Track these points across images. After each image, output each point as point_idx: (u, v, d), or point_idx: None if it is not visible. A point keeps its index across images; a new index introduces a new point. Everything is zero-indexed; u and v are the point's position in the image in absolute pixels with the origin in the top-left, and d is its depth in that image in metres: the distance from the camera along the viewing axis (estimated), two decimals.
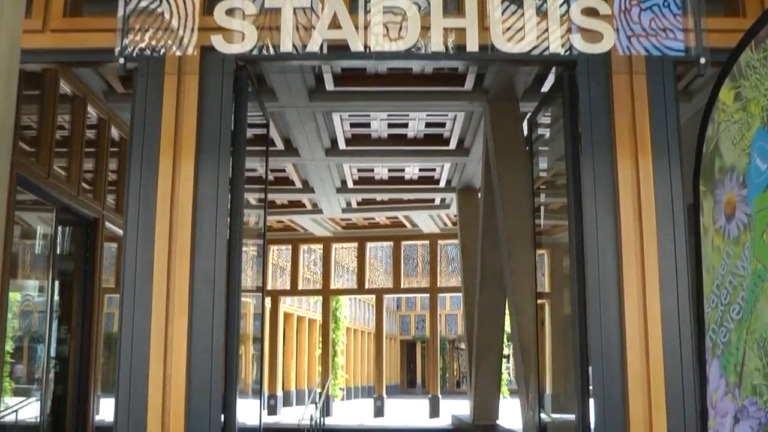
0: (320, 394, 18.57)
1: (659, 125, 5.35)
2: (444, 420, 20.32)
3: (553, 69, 6.71)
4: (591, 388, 5.22)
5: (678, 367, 5.04)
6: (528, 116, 7.52)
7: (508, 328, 15.65)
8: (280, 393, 23.35)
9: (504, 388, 22.31)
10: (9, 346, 9.85)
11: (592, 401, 5.19)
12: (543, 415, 6.02)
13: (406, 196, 18.79)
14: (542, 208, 7.05)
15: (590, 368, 5.21)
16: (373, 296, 23.43)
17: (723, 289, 4.47)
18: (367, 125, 13.73)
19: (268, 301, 24.00)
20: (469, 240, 16.09)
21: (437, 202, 19.18)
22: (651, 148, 5.32)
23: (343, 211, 19.74)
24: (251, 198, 7.89)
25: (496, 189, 10.95)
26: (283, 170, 16.45)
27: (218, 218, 5.43)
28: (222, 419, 5.26)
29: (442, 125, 13.64)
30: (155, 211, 5.36)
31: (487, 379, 13.93)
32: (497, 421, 14.35)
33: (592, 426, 5.18)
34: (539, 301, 7.38)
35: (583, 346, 5.26)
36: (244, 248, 5.91)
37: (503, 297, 13.35)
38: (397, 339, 49.81)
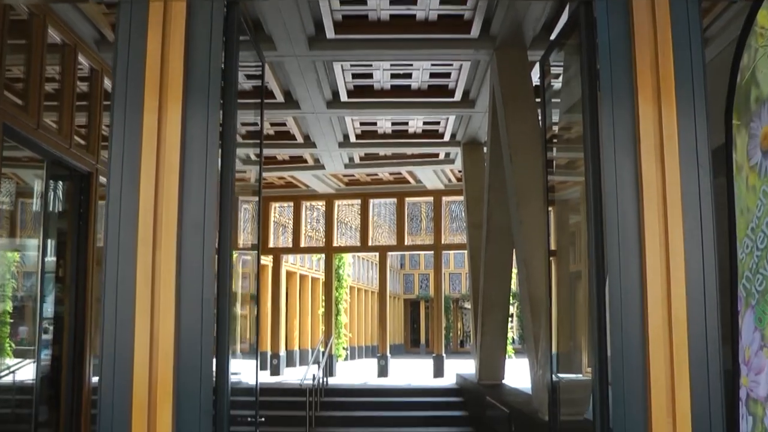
0: (323, 353, 18.30)
1: (683, 60, 4.92)
2: (448, 379, 20.10)
3: (568, 4, 6.27)
4: (608, 344, 4.86)
5: (702, 320, 4.66)
6: (540, 58, 7.09)
7: (513, 286, 15.36)
8: (283, 353, 23.11)
9: (509, 348, 22.04)
10: (8, 306, 9.56)
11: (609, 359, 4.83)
12: (554, 375, 5.65)
13: (409, 151, 18.39)
14: (555, 156, 6.62)
15: (608, 324, 4.84)
16: (377, 254, 23.09)
17: (759, 232, 4.09)
18: (370, 76, 13.29)
19: (270, 259, 23.71)
20: (475, 195, 15.73)
21: (441, 156, 18.76)
22: (674, 85, 4.89)
23: (346, 166, 19.36)
24: (246, 152, 7.49)
25: (503, 140, 10.55)
26: (284, 124, 16.05)
27: (208, 166, 5.02)
28: (214, 378, 4.90)
29: (447, 75, 13.19)
30: (140, 156, 4.96)
31: (492, 337, 13.62)
32: (503, 381, 14.06)
33: (609, 384, 4.82)
34: (551, 258, 7.01)
35: (600, 300, 4.88)
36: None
37: (510, 252, 13.01)
38: (401, 298, 49.64)
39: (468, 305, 51.75)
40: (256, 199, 7.71)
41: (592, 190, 5.03)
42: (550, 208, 6.46)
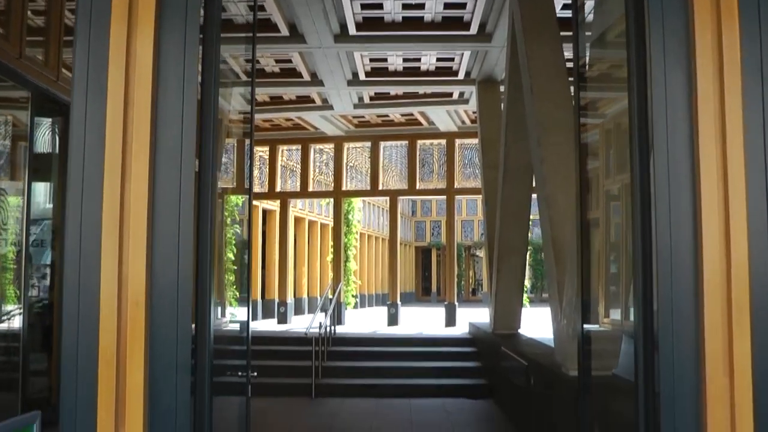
0: (330, 301, 17.67)
1: None
2: (461, 328, 19.51)
3: None
4: (654, 291, 4.10)
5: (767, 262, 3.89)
6: None
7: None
8: (290, 300, 22.53)
9: (524, 296, 21.40)
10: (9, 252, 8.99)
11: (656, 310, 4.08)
12: (586, 324, 4.91)
13: (421, 90, 17.56)
14: (588, 80, 5.81)
15: (654, 267, 4.07)
16: (387, 199, 22.36)
17: None
18: (380, 6, 12.47)
19: (277, 204, 23.03)
20: (490, 136, 14.95)
21: (455, 96, 17.92)
22: None
23: (355, 106, 18.58)
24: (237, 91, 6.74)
25: (524, 72, 9.73)
26: (290, 60, 15.24)
27: (186, 90, 4.25)
28: (193, 324, 4.18)
29: (463, 6, 12.37)
30: (107, 74, 4.20)
31: (508, 284, 12.92)
32: (518, 330, 13.39)
33: (656, 335, 4.06)
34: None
35: (646, 240, 4.10)
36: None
37: (528, 194, 12.28)
38: (412, 246, 49.07)
39: (480, 253, 51.23)
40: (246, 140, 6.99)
41: (636, 111, 4.24)
42: (588, 132, 5.65)
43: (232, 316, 7.84)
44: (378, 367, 14.58)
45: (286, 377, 14.08)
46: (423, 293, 50.57)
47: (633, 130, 4.25)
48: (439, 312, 31.05)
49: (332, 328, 16.46)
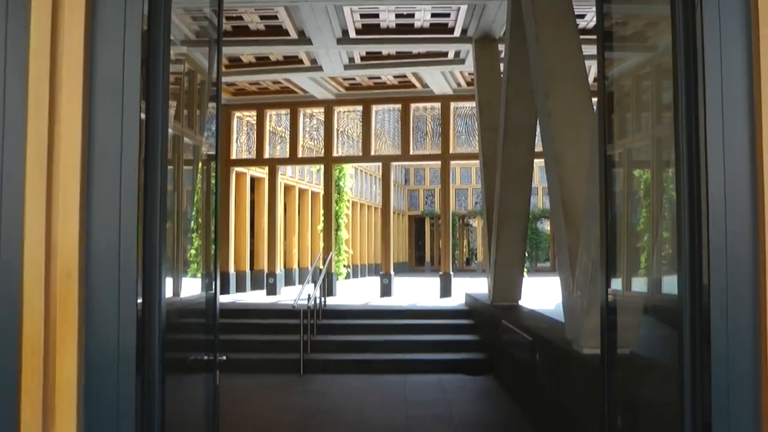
0: (321, 271, 16.88)
1: None
2: (456, 299, 18.81)
3: None
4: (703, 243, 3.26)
5: None
6: None
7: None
8: (279, 271, 21.76)
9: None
10: None
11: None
12: (609, 293, 4.10)
13: (415, 49, 16.67)
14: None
15: (703, 216, 3.23)
16: (379, 168, 21.54)
17: None
18: None
19: (265, 171, 22.23)
20: (488, 96, 14.13)
21: (451, 56, 17.04)
22: None
23: (345, 68, 17.71)
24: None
25: (527, 21, 8.89)
26: (275, 17, 14.34)
27: (128, 8, 3.40)
28: (140, 300, 3.35)
29: None
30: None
31: (509, 253, 12.14)
32: (519, 302, 12.64)
33: (707, 313, 3.23)
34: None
35: (692, 190, 3.26)
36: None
37: (529, 156, 11.51)
38: (405, 215, 48.37)
39: (474, 223, 50.57)
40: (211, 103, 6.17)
41: (682, 40, 3.40)
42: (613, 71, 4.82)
43: (206, 289, 7.06)
44: (370, 342, 13.85)
45: (273, 353, 13.38)
46: (416, 263, 49.89)
47: (678, 65, 3.41)
48: (433, 282, 30.36)
49: (322, 299, 15.72)
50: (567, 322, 7.40)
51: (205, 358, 4.57)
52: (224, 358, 4.50)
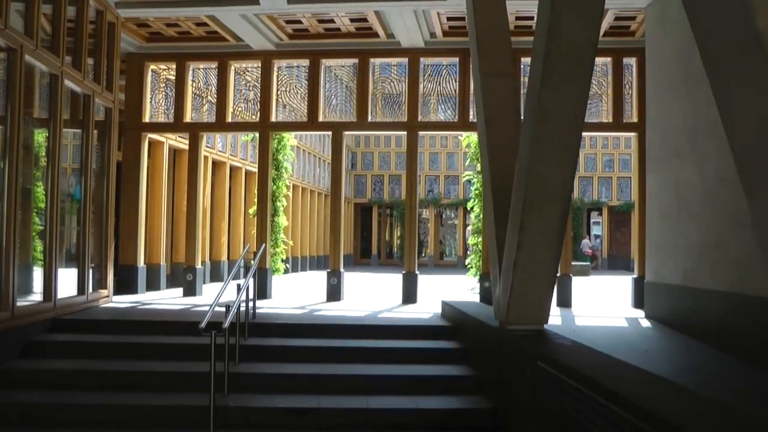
0: (247, 269, 12.44)
1: None
2: (424, 306, 14.68)
3: None
4: None
5: None
6: None
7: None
8: (201, 266, 17.30)
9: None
10: None
11: None
12: None
13: None
14: None
15: None
16: (323, 142, 17.03)
17: None
18: None
19: (185, 143, 17.77)
20: (493, 24, 9.76)
21: None
22: None
23: (289, 1, 13.38)
24: None
25: None
26: None
27: None
28: None
29: None
30: None
31: (537, 251, 7.83)
32: (545, 326, 8.40)
33: None
34: None
35: None
36: None
37: (583, 101, 7.22)
38: (351, 202, 44.04)
39: (426, 213, 46.36)
40: None
41: None
42: None
43: None
44: (317, 377, 9.54)
45: (166, 393, 9.03)
46: (362, 255, 45.50)
47: None
48: (385, 280, 26.24)
49: (251, 307, 11.37)
50: None
51: None
52: None
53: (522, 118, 7.88)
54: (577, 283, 16.32)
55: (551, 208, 7.63)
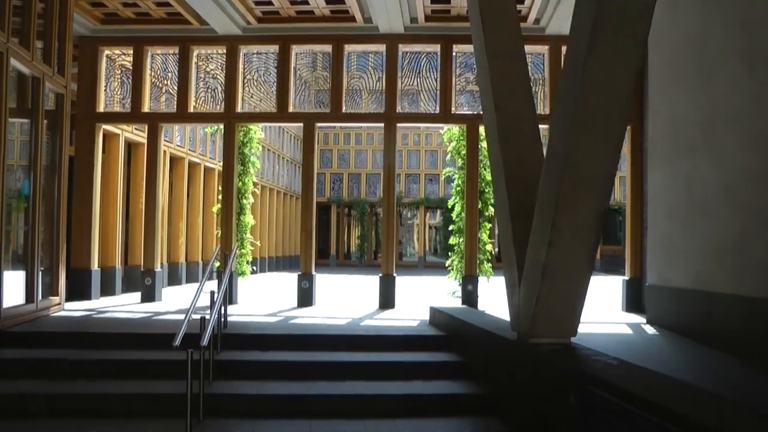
0: (221, 273, 11.14)
1: None
2: (404, 311, 13.61)
3: None
4: None
5: None
6: None
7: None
8: (160, 269, 15.92)
9: (486, 267, 15.43)
10: None
11: None
12: None
13: None
14: None
15: None
16: (286, 139, 15.77)
17: None
18: None
19: (142, 135, 16.45)
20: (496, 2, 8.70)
21: None
22: None
23: None
24: None
25: None
26: None
27: None
28: None
29: None
30: None
31: (571, 251, 6.74)
32: (573, 339, 7.29)
33: None
34: None
35: None
36: None
37: (631, 71, 6.12)
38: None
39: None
40: None
41: None
42: None
43: None
44: (303, 398, 8.31)
45: (130, 420, 7.76)
46: (319, 256, 44.15)
47: None
48: (347, 280, 25.14)
49: (222, 313, 10.11)
50: None
51: None
52: None
53: (557, 96, 6.72)
54: None
55: (589, 203, 6.52)
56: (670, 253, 12.40)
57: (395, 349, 10.12)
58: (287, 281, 22.40)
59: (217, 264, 14.37)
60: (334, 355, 9.68)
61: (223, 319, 10.14)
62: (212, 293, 9.12)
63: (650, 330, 12.20)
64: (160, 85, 16.24)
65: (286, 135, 37.34)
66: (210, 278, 10.31)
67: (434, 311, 11.63)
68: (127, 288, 17.19)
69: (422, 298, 17.32)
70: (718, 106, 10.54)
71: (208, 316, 8.08)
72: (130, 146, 18.18)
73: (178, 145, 21.20)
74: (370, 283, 24.54)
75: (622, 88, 6.09)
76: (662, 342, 11.21)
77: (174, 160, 21.11)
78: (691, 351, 10.44)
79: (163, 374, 8.56)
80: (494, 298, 15.55)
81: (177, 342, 7.09)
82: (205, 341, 7.35)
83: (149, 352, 9.39)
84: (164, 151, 18.77)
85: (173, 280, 20.70)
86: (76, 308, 13.29)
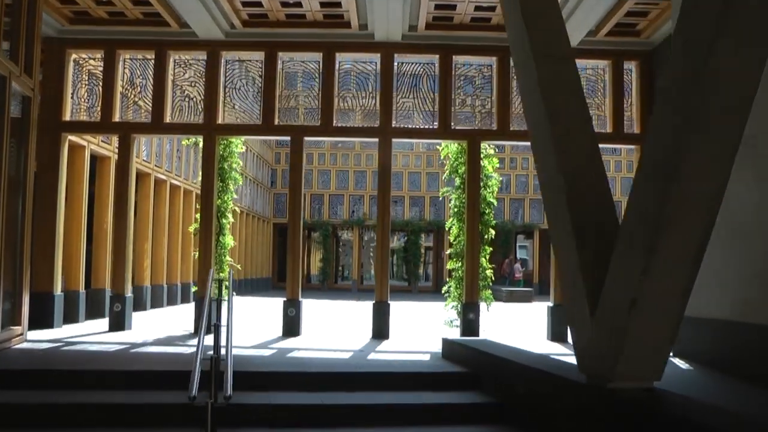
0: (216, 301, 9.80)
1: None
2: (400, 343, 12.48)
3: None
4: None
5: None
6: None
7: None
8: (131, 294, 14.49)
9: (487, 293, 14.30)
10: None
11: None
12: None
13: None
14: None
15: None
16: (250, 157, 14.52)
17: None
18: None
19: (112, 146, 15.11)
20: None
21: None
22: None
23: None
24: None
25: None
26: None
27: None
28: None
29: None
30: None
31: (671, 282, 5.57)
32: (656, 383, 6.15)
33: None
34: None
35: None
36: None
37: (759, 69, 5.07)
38: (269, 222, 41.63)
39: (348, 235, 44.00)
40: None
41: None
42: None
43: None
44: None
45: None
46: (279, 279, 42.72)
47: None
48: (318, 305, 23.96)
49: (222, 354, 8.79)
50: None
51: None
52: None
53: (663, 96, 5.62)
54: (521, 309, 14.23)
55: (695, 225, 5.44)
56: (697, 281, 11.39)
57: (413, 388, 8.90)
58: (261, 306, 21.20)
59: (194, 289, 13.05)
60: (351, 396, 8.44)
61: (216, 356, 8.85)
62: (216, 326, 7.85)
63: (683, 365, 11.15)
64: (133, 92, 14.89)
65: (249, 153, 36.02)
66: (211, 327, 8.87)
67: (450, 344, 10.46)
68: (91, 314, 15.73)
69: (412, 326, 16.18)
70: (764, 116, 9.60)
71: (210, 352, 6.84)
72: (95, 160, 16.77)
73: (144, 160, 19.82)
74: (347, 309, 23.45)
75: (747, 86, 5.04)
76: (703, 380, 10.17)
77: (140, 176, 19.71)
78: (741, 390, 9.41)
79: (150, 422, 7.28)
80: (495, 327, 14.49)
81: (193, 393, 5.83)
82: (228, 392, 6.09)
83: (132, 393, 8.12)
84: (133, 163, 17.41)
85: (138, 305, 19.21)
86: (39, 338, 11.85)
